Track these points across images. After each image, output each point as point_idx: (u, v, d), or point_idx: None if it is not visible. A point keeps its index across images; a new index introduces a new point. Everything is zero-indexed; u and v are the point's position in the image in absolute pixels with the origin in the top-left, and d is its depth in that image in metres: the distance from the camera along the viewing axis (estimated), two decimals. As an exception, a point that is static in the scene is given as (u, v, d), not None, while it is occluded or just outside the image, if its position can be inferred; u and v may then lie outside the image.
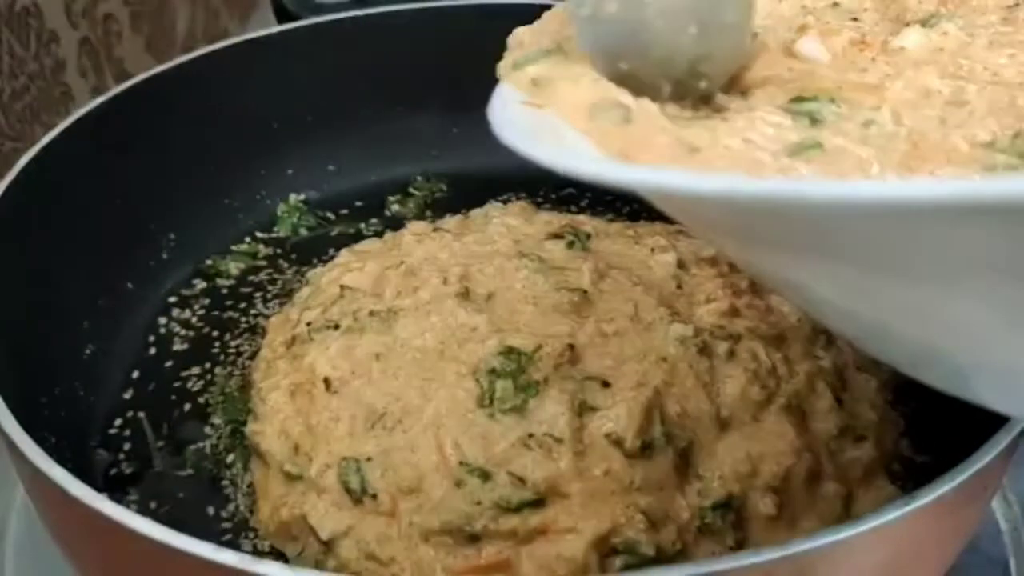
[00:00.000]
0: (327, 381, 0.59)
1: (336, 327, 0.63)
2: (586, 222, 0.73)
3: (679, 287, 0.65)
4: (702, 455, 0.56)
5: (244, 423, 0.62)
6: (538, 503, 0.53)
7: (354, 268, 0.68)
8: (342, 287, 0.66)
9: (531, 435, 0.55)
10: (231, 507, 0.60)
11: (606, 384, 0.57)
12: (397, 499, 0.55)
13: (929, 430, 0.62)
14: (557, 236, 0.70)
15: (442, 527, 0.53)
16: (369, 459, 0.56)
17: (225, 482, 0.61)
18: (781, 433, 0.57)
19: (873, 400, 0.63)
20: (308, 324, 0.64)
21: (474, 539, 0.53)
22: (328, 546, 0.55)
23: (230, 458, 0.62)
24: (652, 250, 0.68)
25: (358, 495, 0.55)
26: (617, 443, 0.55)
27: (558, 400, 0.56)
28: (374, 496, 0.55)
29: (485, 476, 0.54)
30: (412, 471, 0.55)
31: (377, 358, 0.60)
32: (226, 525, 0.59)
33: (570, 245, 0.68)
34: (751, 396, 0.58)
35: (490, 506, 0.53)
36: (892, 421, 0.63)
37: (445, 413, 0.56)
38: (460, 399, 0.57)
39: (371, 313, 0.63)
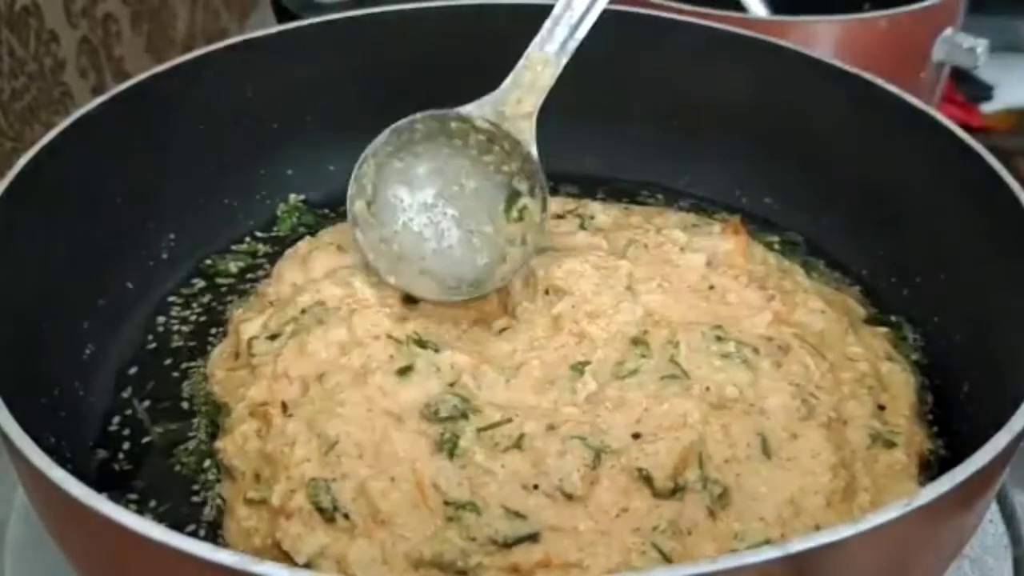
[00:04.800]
0: (284, 405, 0.58)
1: (275, 337, 0.63)
2: (599, 209, 0.70)
3: (711, 288, 0.63)
4: (743, 497, 0.53)
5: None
6: (537, 535, 0.51)
7: (314, 255, 0.69)
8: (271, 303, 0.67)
9: (536, 486, 0.52)
10: (212, 511, 0.59)
11: (636, 436, 0.54)
12: (373, 525, 0.52)
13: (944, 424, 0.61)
14: (559, 217, 0.68)
15: (433, 559, 0.51)
16: (335, 480, 0.54)
17: (196, 487, 0.60)
18: (818, 452, 0.55)
19: (909, 398, 0.60)
20: (249, 339, 0.64)
21: (466, 572, 0.51)
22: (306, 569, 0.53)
23: (206, 463, 0.61)
24: (682, 249, 0.65)
25: (330, 513, 0.53)
26: (646, 480, 0.52)
27: (571, 453, 0.53)
28: (346, 515, 0.53)
29: (476, 511, 0.52)
30: (389, 505, 0.53)
31: (320, 379, 0.59)
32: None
33: (581, 227, 0.66)
34: (792, 413, 0.56)
35: (485, 541, 0.51)
36: (922, 424, 0.61)
37: (408, 454, 0.54)
38: (416, 443, 0.55)
39: (304, 311, 0.63)
